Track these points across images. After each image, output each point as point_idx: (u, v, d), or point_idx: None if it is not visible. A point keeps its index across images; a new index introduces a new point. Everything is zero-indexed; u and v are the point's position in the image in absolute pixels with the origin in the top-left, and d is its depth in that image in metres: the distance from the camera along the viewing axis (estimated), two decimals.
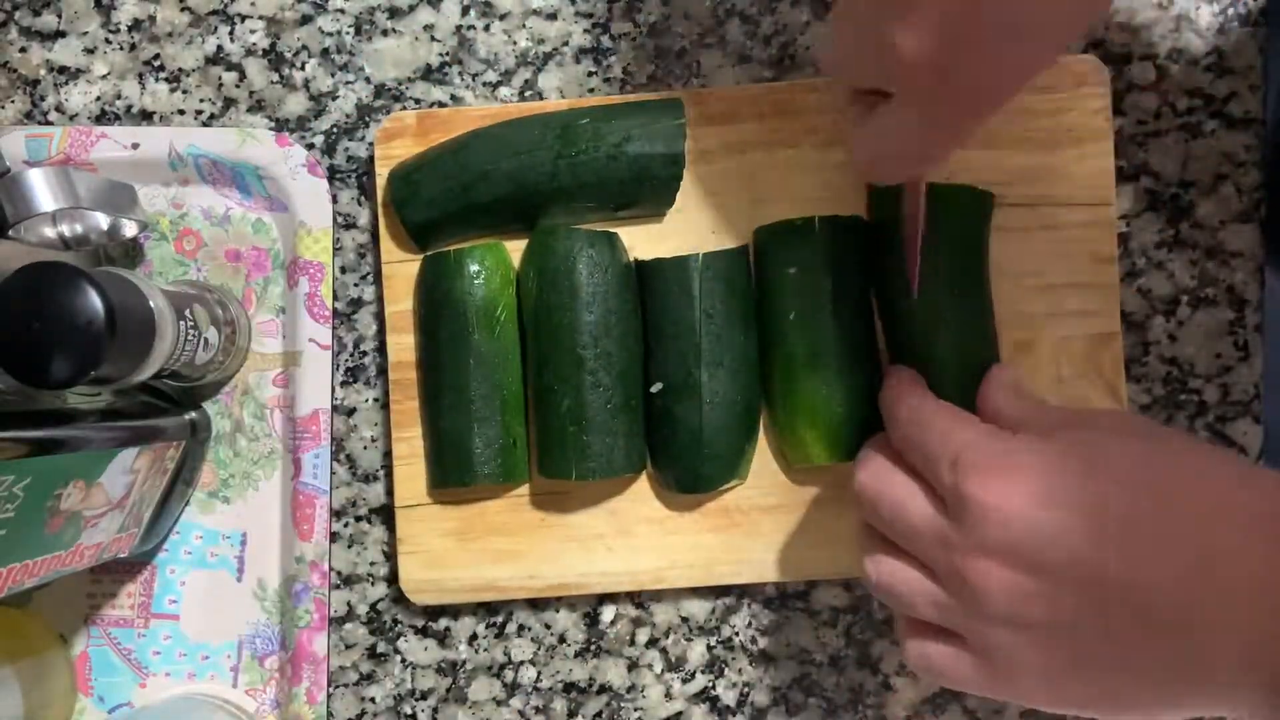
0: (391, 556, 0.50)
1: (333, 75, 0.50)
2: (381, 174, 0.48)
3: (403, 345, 0.48)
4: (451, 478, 0.47)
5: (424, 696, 0.50)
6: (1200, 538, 0.32)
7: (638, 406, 0.46)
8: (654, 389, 0.46)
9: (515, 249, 0.48)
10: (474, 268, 0.46)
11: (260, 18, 0.50)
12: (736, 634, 0.50)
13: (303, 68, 0.50)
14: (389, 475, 0.50)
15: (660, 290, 0.46)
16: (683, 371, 0.45)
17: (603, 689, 0.50)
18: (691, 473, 0.46)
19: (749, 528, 0.48)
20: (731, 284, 0.46)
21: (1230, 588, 0.31)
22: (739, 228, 0.47)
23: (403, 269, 0.48)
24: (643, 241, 0.48)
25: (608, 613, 0.50)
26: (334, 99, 0.50)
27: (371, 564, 0.50)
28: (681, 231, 0.48)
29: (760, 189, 0.47)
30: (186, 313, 0.43)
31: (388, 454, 0.50)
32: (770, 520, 0.48)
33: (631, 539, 0.48)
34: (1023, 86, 0.34)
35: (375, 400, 0.50)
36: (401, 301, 0.48)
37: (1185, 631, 0.32)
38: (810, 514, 0.48)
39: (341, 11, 0.49)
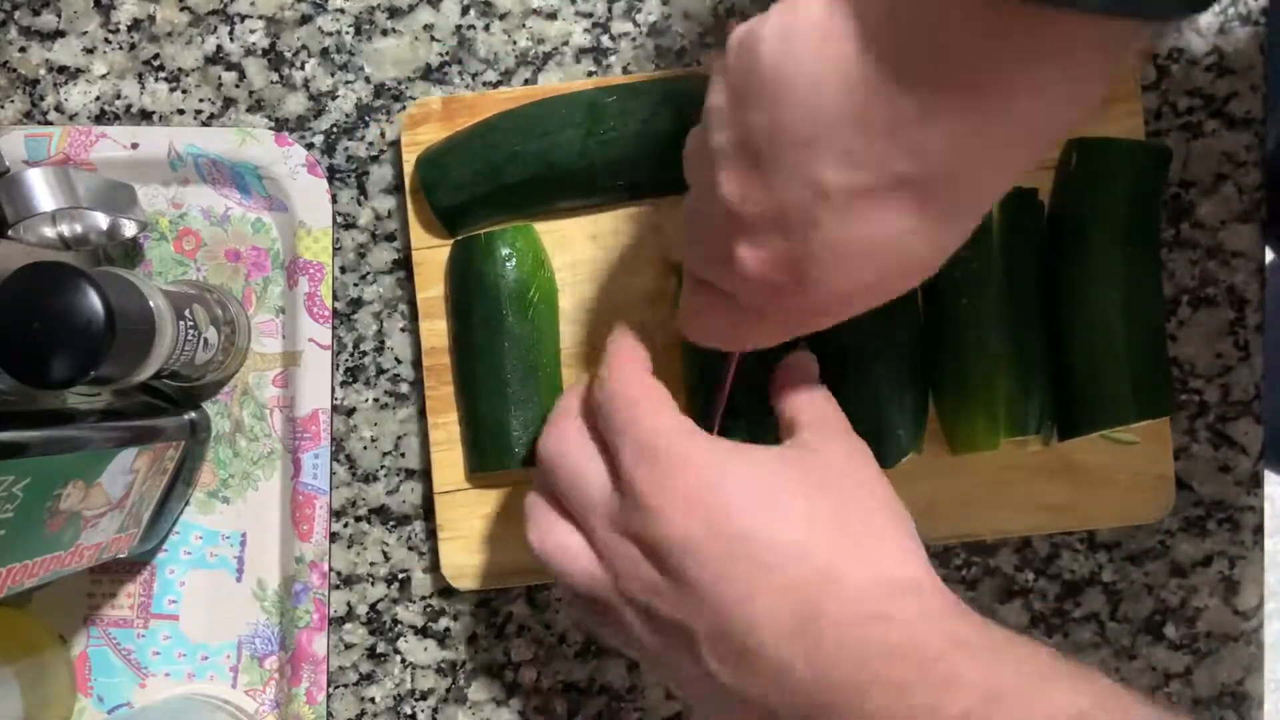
0: (390, 556, 0.50)
1: (332, 75, 0.50)
2: (408, 159, 0.47)
3: (435, 331, 0.48)
4: (490, 462, 0.46)
5: (424, 696, 0.50)
6: (810, 591, 0.33)
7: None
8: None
9: (545, 230, 0.47)
10: (504, 250, 0.46)
11: (260, 17, 0.50)
12: None
13: (302, 67, 0.50)
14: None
15: None
16: (857, 348, 0.44)
17: (603, 689, 0.50)
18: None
19: None
20: None
21: (820, 644, 0.32)
22: None
23: (433, 255, 0.48)
24: (672, 218, 0.47)
25: None
26: (334, 99, 0.50)
27: (371, 564, 0.50)
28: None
29: None
30: (186, 313, 0.43)
31: (388, 454, 0.50)
32: None
33: None
34: (870, 305, 0.33)
35: (375, 400, 0.50)
36: (432, 288, 0.48)
37: (778, 674, 0.32)
38: None
39: (341, 11, 0.49)
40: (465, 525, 0.48)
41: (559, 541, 0.38)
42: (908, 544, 0.35)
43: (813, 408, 0.39)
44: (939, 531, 0.48)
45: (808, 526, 0.34)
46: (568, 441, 0.39)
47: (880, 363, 0.44)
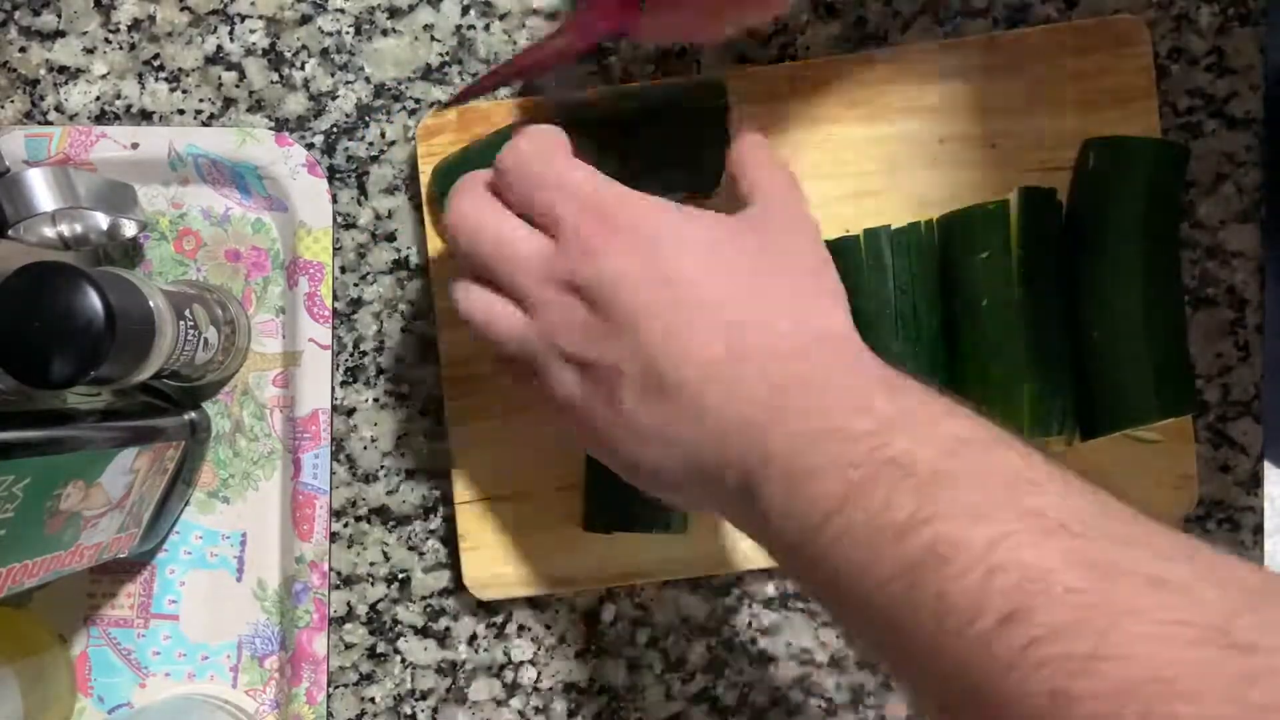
0: (390, 556, 0.50)
1: (332, 75, 0.50)
2: (425, 170, 0.47)
3: (456, 342, 0.48)
4: (615, 523, 0.46)
5: (424, 696, 0.50)
6: (740, 331, 0.34)
7: None
8: None
9: None
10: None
11: (260, 17, 0.50)
12: (736, 634, 0.50)
13: (302, 67, 0.50)
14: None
15: (852, 265, 0.45)
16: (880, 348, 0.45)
17: (603, 689, 0.50)
18: None
19: None
20: (923, 259, 0.45)
21: (743, 377, 0.33)
22: None
23: (452, 265, 0.47)
24: None
25: (608, 613, 0.50)
26: (334, 99, 0.50)
27: (371, 564, 0.50)
28: (729, 213, 0.47)
29: (806, 166, 0.47)
30: (186, 313, 0.43)
31: (388, 454, 0.50)
32: None
33: (700, 523, 0.47)
34: None
35: (375, 400, 0.50)
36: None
37: (699, 410, 0.34)
38: None
39: (341, 11, 0.49)
40: (487, 536, 0.48)
41: (487, 306, 0.38)
42: (834, 304, 0.36)
43: (769, 181, 0.39)
44: None
45: (746, 278, 0.35)
46: (484, 207, 0.38)
47: (901, 365, 0.44)
